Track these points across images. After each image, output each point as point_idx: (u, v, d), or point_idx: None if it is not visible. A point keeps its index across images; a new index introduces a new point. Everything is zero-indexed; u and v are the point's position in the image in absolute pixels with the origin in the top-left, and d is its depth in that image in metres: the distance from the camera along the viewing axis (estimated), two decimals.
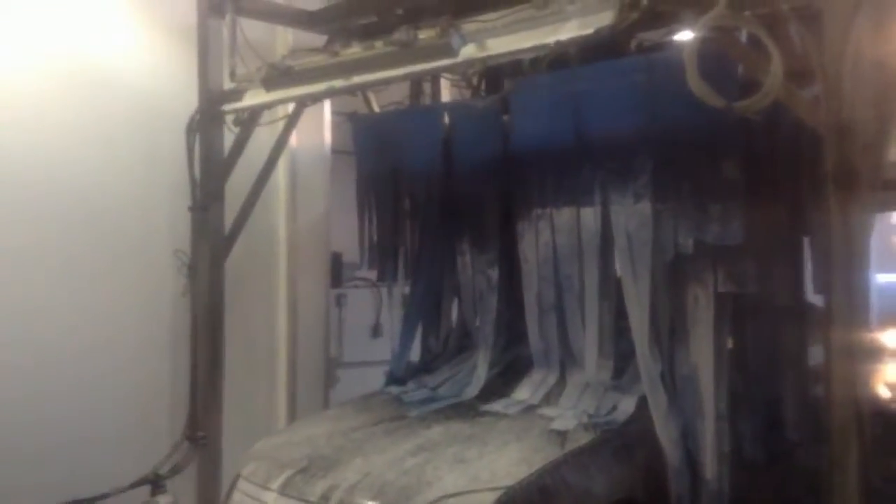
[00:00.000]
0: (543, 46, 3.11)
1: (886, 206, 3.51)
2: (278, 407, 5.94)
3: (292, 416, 5.91)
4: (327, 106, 6.02)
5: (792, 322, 3.93)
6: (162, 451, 4.89)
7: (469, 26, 3.36)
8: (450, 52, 3.22)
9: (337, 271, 6.55)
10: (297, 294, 5.97)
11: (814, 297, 4.04)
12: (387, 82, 3.81)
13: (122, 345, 5.05)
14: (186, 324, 5.07)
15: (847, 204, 2.71)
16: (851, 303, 2.78)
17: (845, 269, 2.79)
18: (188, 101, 4.95)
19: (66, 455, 4.70)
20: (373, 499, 3.29)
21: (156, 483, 4.71)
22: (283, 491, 3.51)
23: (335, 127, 6.16)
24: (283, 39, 5.63)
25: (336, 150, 6.22)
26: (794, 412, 3.91)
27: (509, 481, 3.20)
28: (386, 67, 3.58)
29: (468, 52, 3.30)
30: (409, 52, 3.45)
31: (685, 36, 3.50)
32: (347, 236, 6.43)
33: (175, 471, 4.79)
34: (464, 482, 3.25)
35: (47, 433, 4.65)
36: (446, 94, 5.82)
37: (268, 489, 3.57)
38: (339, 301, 7.42)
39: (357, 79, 3.74)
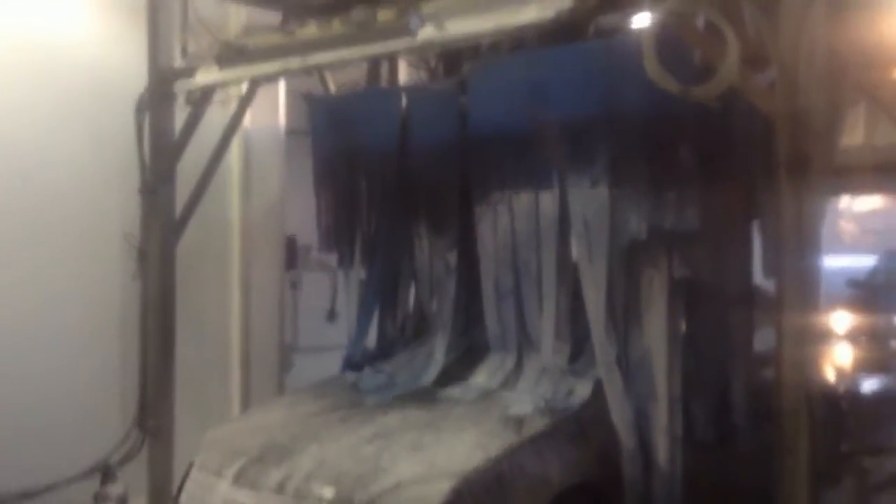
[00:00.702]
0: (503, 29, 3.08)
1: (837, 192, 3.57)
2: (232, 393, 5.86)
3: (247, 402, 5.84)
4: (282, 86, 5.92)
5: (741, 306, 3.99)
6: (112, 440, 4.79)
7: (428, 7, 3.31)
8: (408, 33, 3.17)
9: (291, 255, 6.48)
10: (251, 278, 5.89)
11: (762, 282, 4.13)
12: (343, 63, 3.75)
13: (70, 331, 4.92)
14: (136, 309, 4.95)
15: (799, 189, 2.75)
16: (802, 287, 2.82)
17: (796, 254, 2.83)
18: (137, 79, 4.79)
19: (13, 444, 4.57)
20: (329, 487, 3.25)
21: (106, 472, 4.62)
22: (237, 480, 3.45)
23: (290, 107, 6.06)
24: (236, 17, 5.50)
25: (291, 131, 6.14)
26: (742, 395, 3.98)
27: (465, 468, 3.19)
28: (343, 47, 3.51)
29: (427, 33, 3.24)
30: (367, 33, 3.39)
31: (642, 21, 3.51)
32: (302, 219, 6.38)
33: (126, 459, 4.70)
34: (420, 469, 3.23)
35: None
36: (403, 76, 5.76)
37: (221, 478, 3.51)
38: (294, 285, 7.34)
39: (313, 59, 3.66)
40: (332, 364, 5.05)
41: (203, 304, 5.55)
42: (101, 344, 5.06)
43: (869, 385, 5.75)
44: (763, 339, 4.07)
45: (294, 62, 3.73)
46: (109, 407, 5.00)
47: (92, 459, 4.66)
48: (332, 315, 7.76)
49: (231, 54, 3.84)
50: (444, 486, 3.10)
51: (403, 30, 3.20)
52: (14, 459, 4.52)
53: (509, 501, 3.22)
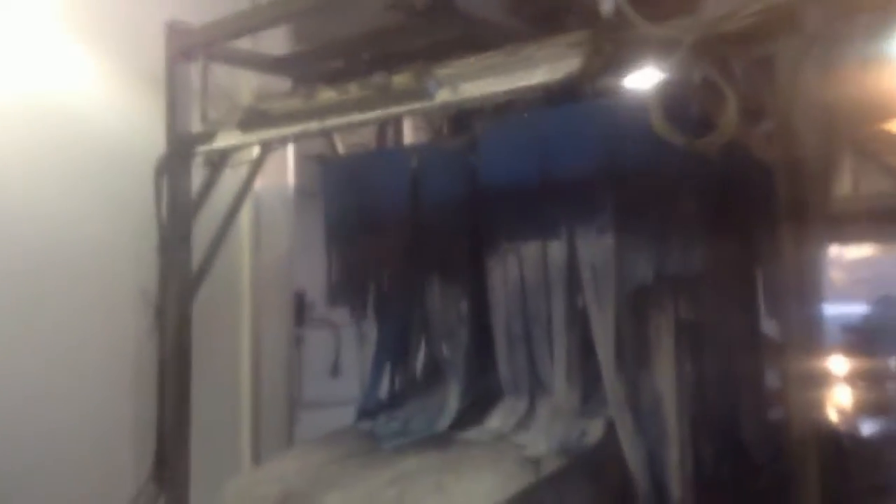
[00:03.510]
0: (515, 91, 3.29)
1: (833, 240, 3.77)
2: (242, 447, 5.92)
3: (257, 456, 5.90)
4: (291, 148, 6.14)
5: (748, 347, 4.14)
6: (126, 495, 4.85)
7: (442, 71, 3.53)
8: (426, 96, 3.38)
9: (300, 311, 6.61)
10: (261, 334, 6.00)
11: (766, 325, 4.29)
12: (361, 125, 3.96)
13: (85, 389, 4.99)
14: (151, 364, 5.06)
15: (800, 236, 2.93)
16: (806, 330, 2.99)
17: (799, 298, 3.00)
18: (154, 143, 5.00)
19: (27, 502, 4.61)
20: None
21: None
22: None
23: (298, 169, 6.28)
24: (247, 83, 5.74)
25: (299, 192, 6.33)
26: (754, 434, 4.10)
27: None
28: (361, 111, 3.71)
29: (442, 95, 3.46)
30: (385, 96, 3.60)
31: (637, 81, 3.75)
32: (307, 276, 6.54)
33: None
34: None
35: (6, 484, 4.56)
36: (409, 135, 6.00)
37: None
38: (298, 341, 7.42)
39: (331, 121, 3.87)
40: (336, 419, 5.11)
41: (214, 359, 5.64)
42: (116, 399, 5.14)
43: (868, 427, 5.88)
44: (771, 380, 4.24)
45: (313, 125, 3.93)
46: (123, 462, 5.07)
47: None
48: (335, 371, 7.84)
49: (254, 119, 4.03)
50: None
51: (422, 93, 3.41)
52: None
53: None
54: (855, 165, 4.60)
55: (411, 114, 3.92)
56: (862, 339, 8.21)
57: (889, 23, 3.26)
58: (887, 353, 7.69)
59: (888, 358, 7.49)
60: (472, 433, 4.13)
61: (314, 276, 6.53)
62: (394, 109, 3.63)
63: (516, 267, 4.22)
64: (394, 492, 3.54)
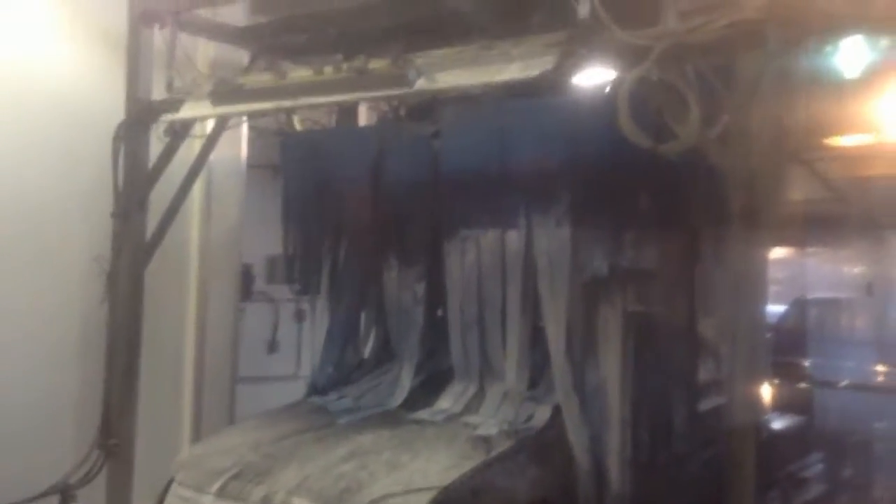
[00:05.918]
0: (491, 84, 3.41)
1: (778, 242, 4.03)
2: (183, 418, 5.91)
3: (198, 427, 5.90)
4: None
5: (686, 341, 4.39)
6: (67, 460, 4.83)
7: (418, 59, 3.63)
8: (406, 83, 3.48)
9: (247, 284, 6.60)
10: (207, 305, 5.99)
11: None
12: (334, 105, 4.02)
13: (29, 351, 4.92)
14: (98, 331, 5.03)
15: (750, 240, 3.16)
16: (752, 327, 3.23)
17: (747, 300, 3.24)
18: (113, 109, 4.95)
19: None
20: (314, 501, 3.44)
21: (65, 492, 4.65)
22: (222, 494, 3.60)
23: (251, 142, 6.26)
24: (204, 52, 5.70)
25: (251, 165, 6.32)
26: (684, 423, 4.36)
27: (443, 483, 3.44)
28: (336, 92, 3.78)
29: (419, 84, 3.56)
30: (361, 80, 3.67)
31: (598, 81, 3.92)
32: (254, 250, 6.55)
33: (87, 480, 4.74)
34: (399, 486, 3.45)
35: None
36: (363, 115, 6.07)
37: (205, 493, 3.65)
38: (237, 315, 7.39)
39: (305, 100, 3.92)
40: (272, 395, 5.17)
41: (160, 330, 5.62)
42: (60, 364, 5.08)
43: (780, 422, 6.30)
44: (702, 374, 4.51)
45: (286, 103, 3.98)
46: (68, 428, 5.03)
47: (47, 479, 4.67)
48: (272, 347, 7.83)
49: (228, 92, 4.05)
50: (424, 499, 3.34)
51: (400, 80, 3.50)
52: None
53: None
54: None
55: (387, 99, 4.00)
56: (776, 338, 8.66)
57: (837, 46, 3.51)
58: (800, 353, 8.12)
59: (800, 358, 7.92)
60: (423, 413, 4.27)
61: (259, 250, 6.57)
62: (369, 93, 3.72)
63: (473, 253, 4.36)
64: (350, 467, 3.64)
